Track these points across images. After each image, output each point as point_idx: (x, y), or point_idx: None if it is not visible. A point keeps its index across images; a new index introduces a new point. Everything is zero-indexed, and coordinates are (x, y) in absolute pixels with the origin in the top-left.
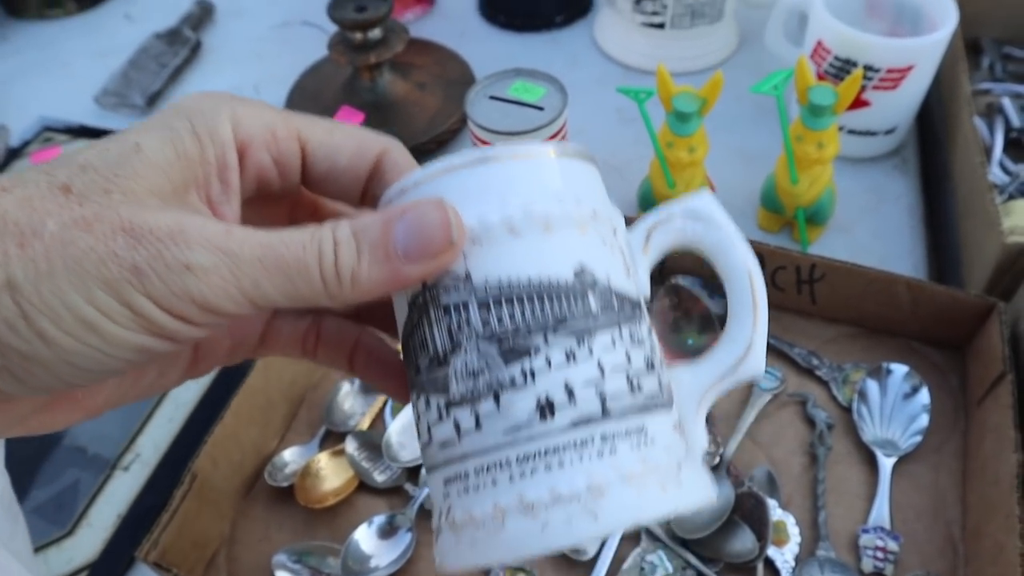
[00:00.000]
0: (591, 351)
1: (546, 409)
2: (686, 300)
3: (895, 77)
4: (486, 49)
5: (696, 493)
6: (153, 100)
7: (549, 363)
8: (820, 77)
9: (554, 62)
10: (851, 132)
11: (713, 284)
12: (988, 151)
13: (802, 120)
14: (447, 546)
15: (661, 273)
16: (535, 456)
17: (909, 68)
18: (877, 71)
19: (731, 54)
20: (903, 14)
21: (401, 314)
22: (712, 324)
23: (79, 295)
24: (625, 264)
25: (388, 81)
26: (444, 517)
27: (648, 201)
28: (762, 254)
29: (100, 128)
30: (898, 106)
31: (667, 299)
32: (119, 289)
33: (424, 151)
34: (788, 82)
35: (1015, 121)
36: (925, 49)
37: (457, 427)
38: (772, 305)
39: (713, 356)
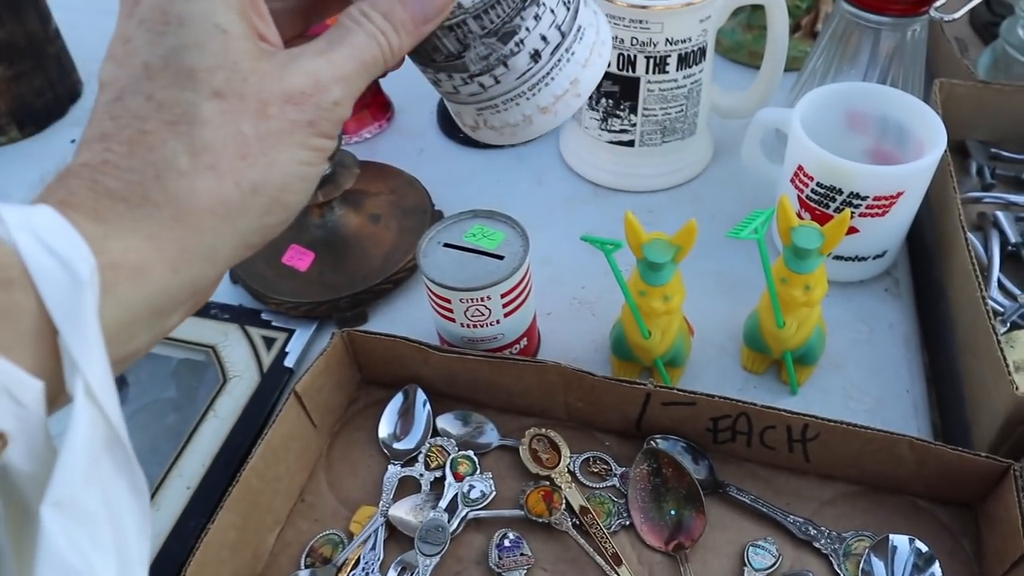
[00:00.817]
0: (545, 5)
1: (536, 55)
2: (667, 466)
3: (884, 204)
4: (446, 168)
5: (607, 34)
6: None
7: (528, 30)
8: (802, 204)
9: (519, 180)
10: (838, 258)
11: (697, 448)
12: (985, 268)
13: (786, 262)
14: (490, 136)
15: (639, 428)
16: (539, 83)
17: (898, 195)
18: (864, 199)
19: (705, 167)
20: (887, 129)
21: None
22: (698, 495)
23: (297, 165)
24: None
25: (339, 215)
26: (483, 124)
27: (622, 348)
28: (748, 414)
29: None
30: (888, 231)
31: (645, 464)
32: (309, 143)
33: (379, 292)
34: (769, 222)
35: (1012, 236)
36: (914, 175)
37: (482, 86)
38: (762, 464)
39: None
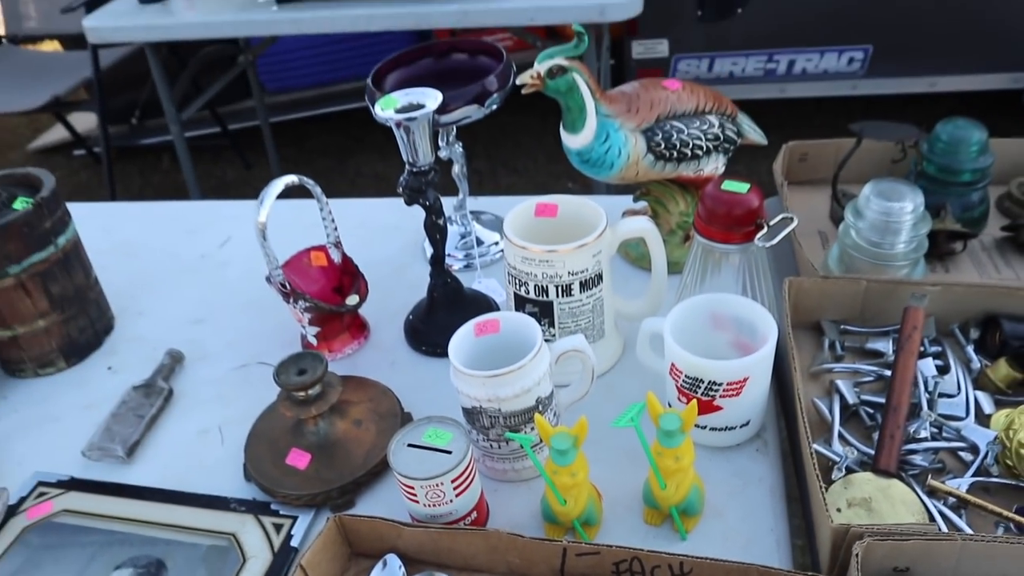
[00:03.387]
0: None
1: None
2: None
3: (735, 387)
4: (413, 376)
5: None
6: (132, 450)
7: (527, 431)
8: (679, 390)
9: None
10: (713, 429)
11: None
12: (829, 427)
13: (659, 440)
14: (483, 469)
15: (563, 575)
16: (522, 457)
17: (745, 379)
18: (720, 384)
19: (617, 361)
20: (742, 325)
21: None
22: None
23: None
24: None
25: (329, 423)
26: (483, 462)
27: (548, 514)
28: (640, 558)
29: (88, 480)
30: (745, 406)
31: None
32: None
33: (362, 482)
34: (643, 411)
35: (849, 398)
36: (754, 364)
37: (491, 445)
38: None
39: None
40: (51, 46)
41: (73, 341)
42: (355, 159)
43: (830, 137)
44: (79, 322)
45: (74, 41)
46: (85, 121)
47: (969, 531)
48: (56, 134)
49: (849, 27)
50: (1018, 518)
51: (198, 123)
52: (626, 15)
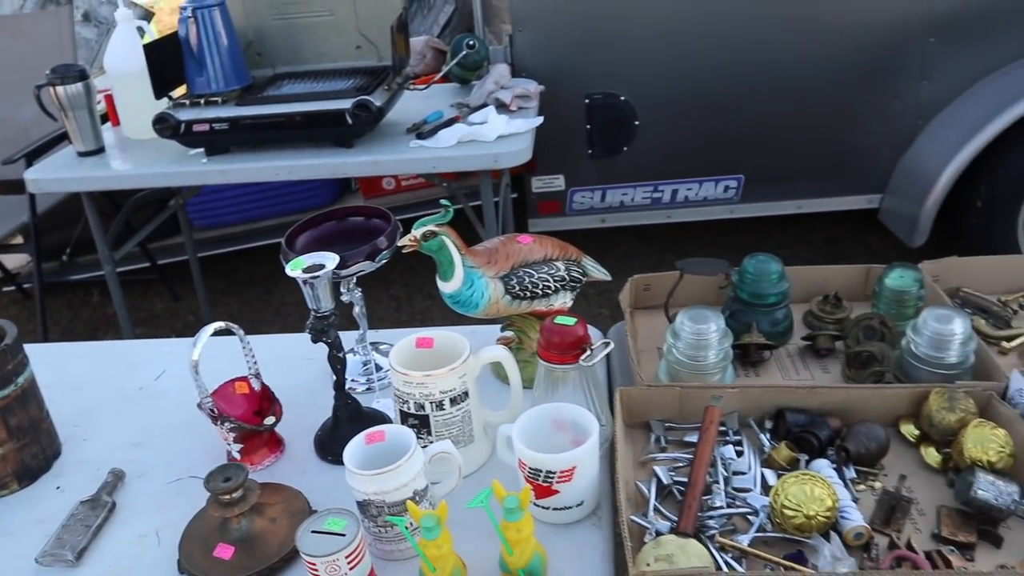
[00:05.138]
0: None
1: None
2: None
3: (567, 474)
4: (321, 480)
5: None
6: (81, 555)
7: (406, 528)
8: (526, 479)
9: None
10: (555, 509)
11: None
12: (647, 501)
13: (505, 516)
14: (374, 551)
15: None
16: (403, 541)
17: (574, 468)
18: (554, 473)
19: (486, 461)
20: (577, 427)
21: None
22: None
23: None
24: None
25: (250, 521)
26: (373, 545)
27: None
28: None
29: None
30: (577, 489)
31: None
32: None
33: (277, 567)
34: (491, 495)
35: (664, 480)
36: (579, 456)
37: (379, 530)
38: None
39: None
40: None
41: (26, 466)
42: (280, 289)
43: (717, 252)
44: (32, 449)
45: (10, 186)
46: (15, 258)
47: (742, 571)
48: None
49: (724, 160)
50: (784, 562)
51: (128, 259)
52: (517, 162)
